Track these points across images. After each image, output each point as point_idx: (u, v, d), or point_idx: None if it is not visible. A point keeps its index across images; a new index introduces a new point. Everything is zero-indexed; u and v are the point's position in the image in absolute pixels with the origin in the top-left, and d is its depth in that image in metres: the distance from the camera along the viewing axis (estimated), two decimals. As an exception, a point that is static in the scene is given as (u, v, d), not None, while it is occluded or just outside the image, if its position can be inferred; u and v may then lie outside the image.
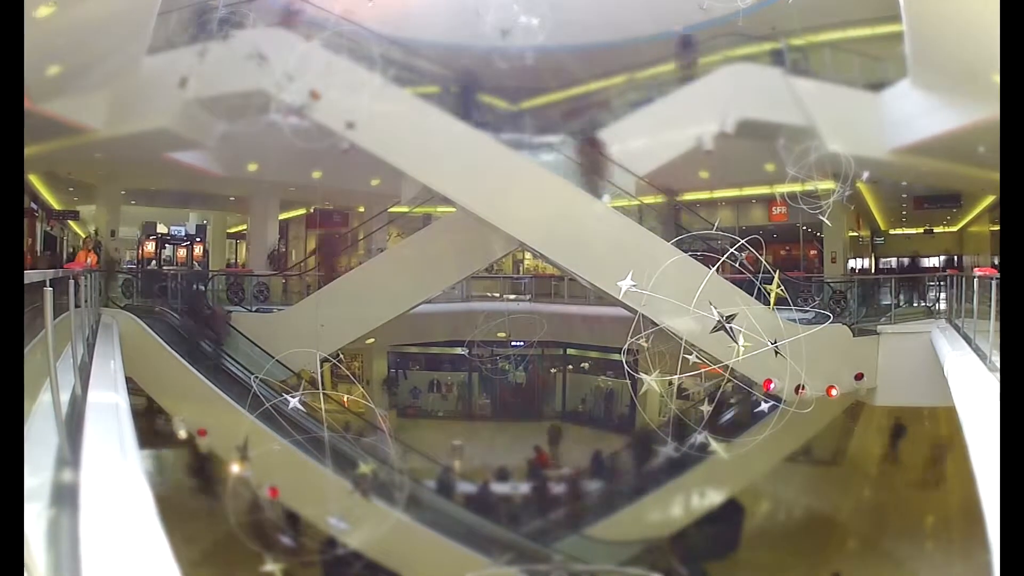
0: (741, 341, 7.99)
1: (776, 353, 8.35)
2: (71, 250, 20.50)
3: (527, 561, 14.48)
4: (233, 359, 15.20)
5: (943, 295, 14.82)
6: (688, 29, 17.00)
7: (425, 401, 24.13)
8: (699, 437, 11.55)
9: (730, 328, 7.61)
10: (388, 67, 15.06)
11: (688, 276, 10.82)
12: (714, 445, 11.57)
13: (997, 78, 5.77)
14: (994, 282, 9.14)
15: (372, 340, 19.42)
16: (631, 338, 8.84)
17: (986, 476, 5.26)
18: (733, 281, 10.82)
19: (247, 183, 21.00)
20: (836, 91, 16.54)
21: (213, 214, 24.61)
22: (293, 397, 12.23)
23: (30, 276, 5.05)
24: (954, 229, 20.60)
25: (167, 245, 22.97)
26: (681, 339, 8.62)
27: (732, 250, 7.92)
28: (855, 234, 21.30)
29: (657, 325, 9.44)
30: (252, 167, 19.52)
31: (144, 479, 4.76)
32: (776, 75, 16.49)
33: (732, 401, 14.95)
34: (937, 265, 20.69)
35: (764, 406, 11.30)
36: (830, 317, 13.14)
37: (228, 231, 25.48)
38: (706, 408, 11.45)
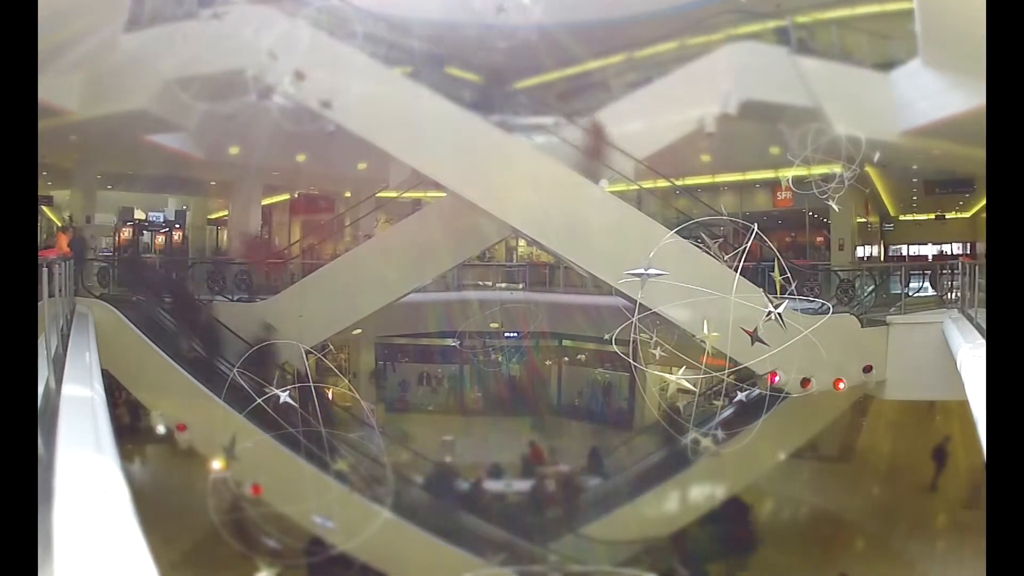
0: (707, 330, 7.71)
1: (752, 342, 7.92)
2: (44, 237, 19.90)
3: (522, 561, 14.06)
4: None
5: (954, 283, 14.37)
6: (690, 6, 16.54)
7: (414, 395, 23.64)
8: (695, 434, 11.17)
9: (780, 316, 7.23)
10: (376, 46, 14.55)
11: (691, 264, 10.33)
12: (704, 442, 11.10)
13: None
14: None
15: (359, 331, 18.94)
16: (629, 328, 8.41)
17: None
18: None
19: (229, 167, 20.69)
20: (844, 71, 16.11)
21: (193, 199, 24.27)
22: (283, 392, 11.71)
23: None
24: (967, 215, 20.13)
25: (145, 232, 22.56)
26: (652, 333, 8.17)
27: (747, 241, 7.52)
28: (863, 220, 20.87)
29: (660, 316, 9.03)
30: (234, 150, 19.15)
31: (121, 475, 4.57)
32: (781, 54, 16.01)
33: (733, 396, 14.56)
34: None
35: (741, 396, 10.95)
36: (830, 308, 12.66)
37: (209, 217, 24.96)
38: (682, 405, 11.04)
